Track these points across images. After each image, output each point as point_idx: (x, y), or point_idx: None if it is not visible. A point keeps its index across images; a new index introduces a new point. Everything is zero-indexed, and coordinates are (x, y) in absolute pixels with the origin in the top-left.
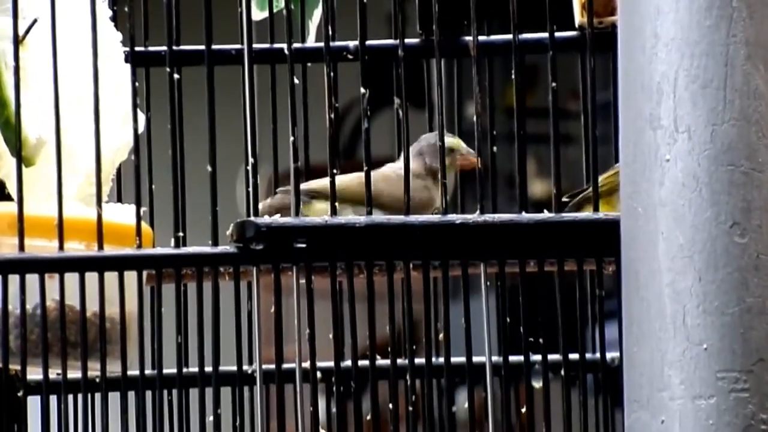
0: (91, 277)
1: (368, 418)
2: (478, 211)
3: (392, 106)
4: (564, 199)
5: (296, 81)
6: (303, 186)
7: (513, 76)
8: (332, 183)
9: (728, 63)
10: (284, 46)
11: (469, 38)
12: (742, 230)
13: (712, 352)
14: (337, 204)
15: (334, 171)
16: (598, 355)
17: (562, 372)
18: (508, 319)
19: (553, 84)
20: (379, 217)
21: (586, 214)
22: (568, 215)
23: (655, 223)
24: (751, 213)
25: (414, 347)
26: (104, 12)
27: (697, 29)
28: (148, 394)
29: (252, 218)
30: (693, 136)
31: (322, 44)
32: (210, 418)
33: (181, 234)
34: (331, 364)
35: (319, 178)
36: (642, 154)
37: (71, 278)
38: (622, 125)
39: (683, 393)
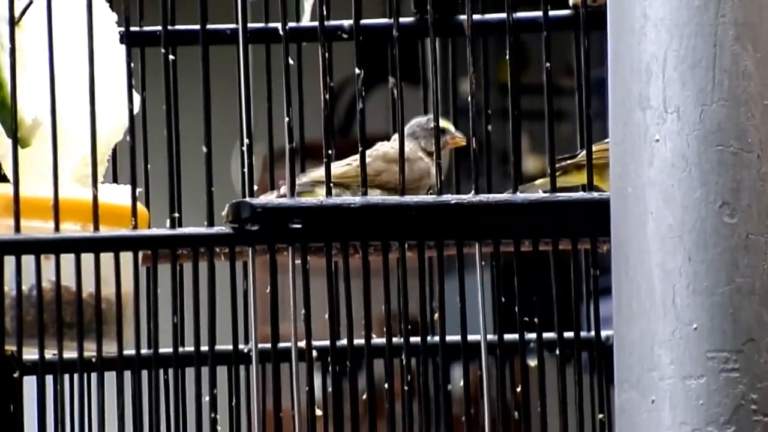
0: (87, 258)
1: (364, 397)
2: (473, 191)
3: (387, 83)
4: (563, 164)
5: (291, 62)
6: (305, 177)
7: (507, 57)
8: (327, 163)
9: (717, 43)
10: (279, 25)
11: (463, 17)
12: (732, 210)
13: (702, 332)
14: (338, 190)
15: (329, 152)
16: (593, 333)
17: (557, 351)
18: (503, 299)
19: (548, 64)
20: (374, 197)
21: (581, 194)
22: (562, 195)
23: (644, 203)
24: (741, 193)
25: (409, 326)
26: None
27: (686, 10)
28: (145, 373)
29: (247, 199)
30: (682, 116)
31: (317, 24)
32: (206, 398)
33: (176, 215)
34: (327, 343)
35: (314, 156)
36: (631, 134)
37: (67, 259)
38: (612, 106)
39: (673, 373)
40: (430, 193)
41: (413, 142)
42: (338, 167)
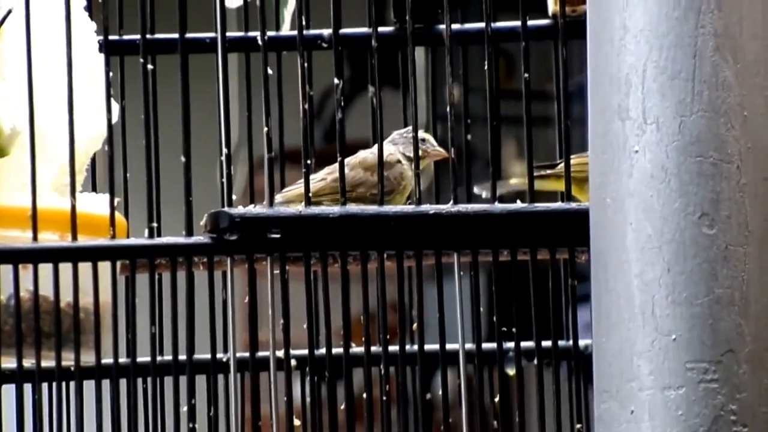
0: (65, 268)
1: (342, 407)
2: (451, 201)
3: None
4: (542, 173)
5: (270, 72)
6: (279, 197)
7: (488, 66)
8: (306, 174)
9: (697, 54)
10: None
11: (443, 27)
12: (711, 221)
13: (681, 342)
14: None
15: (308, 162)
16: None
17: (535, 360)
18: (481, 309)
19: (526, 75)
20: (353, 207)
21: (559, 204)
22: (540, 205)
23: (623, 213)
24: (720, 204)
25: (388, 336)
26: (78, 1)
27: (666, 21)
28: (123, 382)
29: (226, 209)
30: (661, 127)
31: (296, 33)
32: (184, 408)
33: (155, 224)
34: (306, 352)
35: (297, 162)
36: (610, 145)
37: (45, 269)
38: (591, 116)
39: (652, 383)
40: (409, 202)
41: (393, 147)
42: (312, 183)
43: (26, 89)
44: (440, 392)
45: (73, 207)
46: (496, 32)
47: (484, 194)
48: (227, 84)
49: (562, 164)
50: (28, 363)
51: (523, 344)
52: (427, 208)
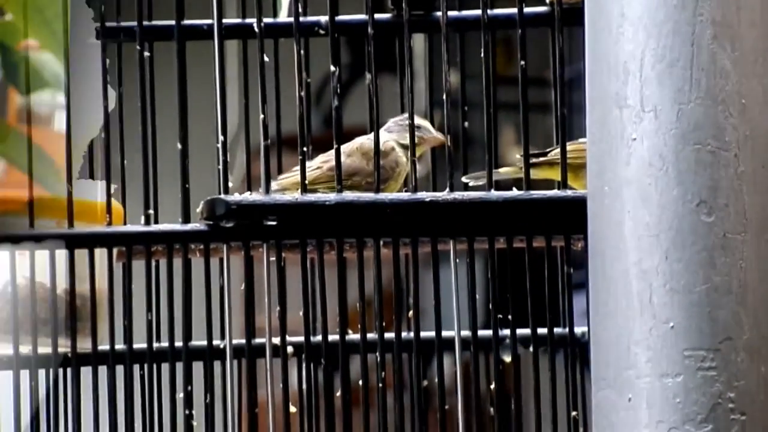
0: (62, 254)
1: (338, 394)
2: (447, 189)
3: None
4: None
5: (267, 59)
6: (275, 185)
7: (482, 55)
8: (302, 161)
9: (694, 42)
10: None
11: (440, 14)
12: (709, 209)
13: (679, 330)
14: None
15: (305, 149)
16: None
17: (531, 348)
18: (477, 296)
19: (522, 62)
20: (349, 195)
21: (555, 192)
22: (536, 193)
23: (621, 202)
24: (718, 192)
25: (384, 323)
26: None
27: (664, 8)
28: (120, 369)
29: (222, 196)
30: (659, 115)
31: (293, 19)
32: (181, 395)
33: (151, 211)
34: (302, 339)
35: (295, 148)
36: (608, 133)
37: (42, 255)
38: (589, 105)
39: (650, 371)
40: (405, 190)
41: (388, 135)
42: (308, 171)
43: None
44: (436, 379)
45: (70, 194)
46: (493, 19)
47: (471, 183)
48: (224, 71)
49: (553, 152)
50: (25, 349)
51: (519, 331)
52: (424, 195)
